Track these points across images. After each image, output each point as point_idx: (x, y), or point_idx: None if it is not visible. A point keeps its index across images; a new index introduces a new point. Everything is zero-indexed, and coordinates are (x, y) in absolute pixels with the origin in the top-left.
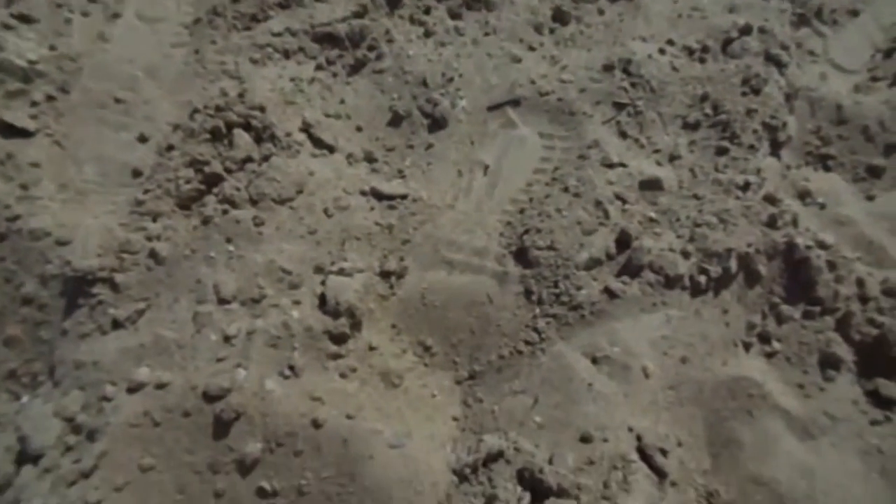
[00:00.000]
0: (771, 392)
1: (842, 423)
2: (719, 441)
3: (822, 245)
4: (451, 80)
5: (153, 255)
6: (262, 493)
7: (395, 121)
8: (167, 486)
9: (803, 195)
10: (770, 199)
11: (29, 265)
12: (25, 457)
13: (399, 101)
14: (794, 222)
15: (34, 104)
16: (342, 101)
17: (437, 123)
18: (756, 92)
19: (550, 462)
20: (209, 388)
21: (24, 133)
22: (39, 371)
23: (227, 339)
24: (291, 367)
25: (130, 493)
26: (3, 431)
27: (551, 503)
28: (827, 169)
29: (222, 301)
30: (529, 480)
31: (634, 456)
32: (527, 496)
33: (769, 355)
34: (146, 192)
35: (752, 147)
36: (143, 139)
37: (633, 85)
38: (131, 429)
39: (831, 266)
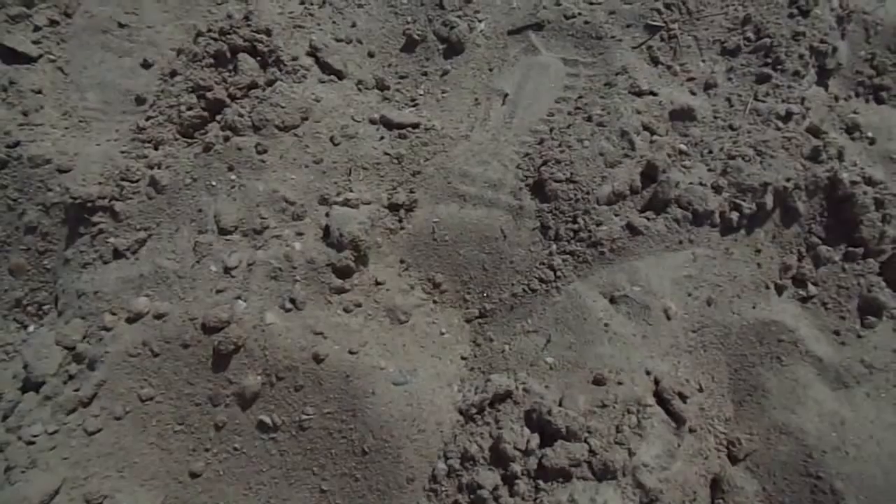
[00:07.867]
0: (803, 338)
1: (880, 372)
2: (744, 388)
3: (870, 181)
4: (469, 1)
5: (154, 183)
6: (262, 426)
7: (409, 46)
8: (167, 417)
9: (851, 129)
10: (814, 131)
11: (30, 193)
12: (29, 384)
13: (414, 25)
14: (840, 156)
15: (36, 29)
16: (353, 25)
17: (453, 48)
18: (804, 13)
19: (560, 404)
20: (208, 320)
21: (26, 58)
22: (45, 300)
23: (227, 270)
24: (292, 300)
25: (130, 423)
26: (11, 360)
27: (559, 446)
28: (879, 101)
29: (223, 231)
30: (537, 422)
31: (651, 400)
32: (535, 438)
33: (804, 299)
34: (148, 118)
35: (796, 74)
36: (146, 65)
37: (667, 6)
38: (130, 358)
39: (878, 204)
